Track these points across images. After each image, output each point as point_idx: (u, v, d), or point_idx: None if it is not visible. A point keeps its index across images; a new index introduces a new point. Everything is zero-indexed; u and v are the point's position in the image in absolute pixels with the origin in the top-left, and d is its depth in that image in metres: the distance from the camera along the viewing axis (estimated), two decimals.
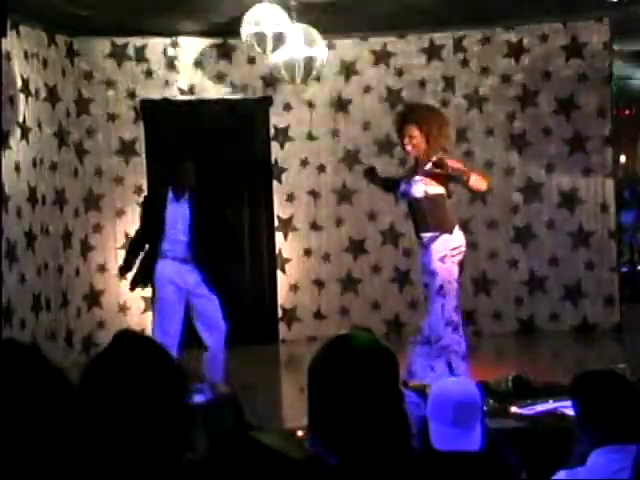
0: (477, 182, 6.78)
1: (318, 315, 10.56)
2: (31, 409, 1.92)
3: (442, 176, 6.76)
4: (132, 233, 10.01)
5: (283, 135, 10.51)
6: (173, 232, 7.23)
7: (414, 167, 7.03)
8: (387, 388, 2.04)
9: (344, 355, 2.04)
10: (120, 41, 10.02)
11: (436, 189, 6.82)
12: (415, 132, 6.80)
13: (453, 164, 6.87)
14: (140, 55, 10.11)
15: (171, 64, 10.19)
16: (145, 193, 9.67)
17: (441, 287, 6.70)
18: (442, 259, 6.73)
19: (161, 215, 7.25)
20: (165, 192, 7.34)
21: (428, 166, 6.79)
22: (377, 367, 2.04)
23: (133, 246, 7.78)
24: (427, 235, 6.85)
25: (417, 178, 6.85)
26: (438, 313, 6.72)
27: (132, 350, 2.05)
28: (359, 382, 2.00)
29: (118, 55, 10.05)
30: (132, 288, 7.58)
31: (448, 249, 6.75)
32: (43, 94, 9.20)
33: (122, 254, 9.95)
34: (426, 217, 6.85)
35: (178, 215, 7.25)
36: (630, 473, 2.90)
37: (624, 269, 11.88)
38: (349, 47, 10.46)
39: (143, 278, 7.44)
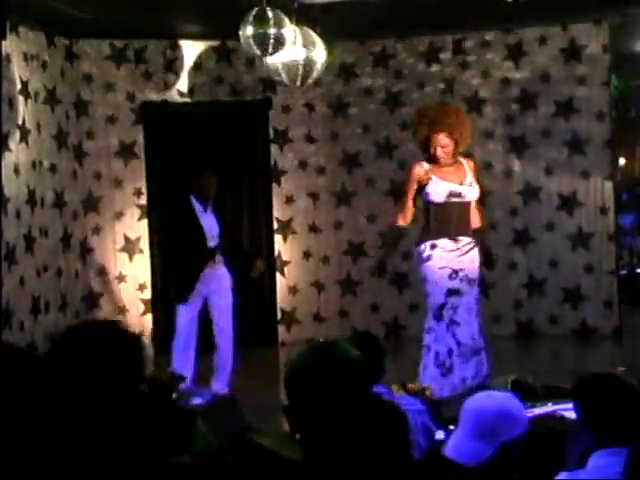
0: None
1: (317, 317, 10.56)
2: (30, 415, 1.93)
3: None
4: (131, 235, 10.05)
5: (282, 137, 10.51)
6: (209, 241, 7.39)
7: (439, 167, 6.84)
8: (357, 396, 2.04)
9: (316, 364, 2.05)
10: (119, 43, 10.02)
11: None
12: (446, 141, 6.73)
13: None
14: (139, 57, 10.11)
15: (170, 66, 10.19)
16: (145, 198, 9.82)
17: (479, 293, 6.76)
18: (479, 266, 6.78)
19: (197, 226, 7.39)
20: (189, 203, 7.45)
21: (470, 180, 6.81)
22: (348, 377, 2.04)
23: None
24: (467, 239, 6.77)
25: (470, 181, 6.81)
26: (480, 320, 6.72)
27: (90, 334, 2.07)
28: (330, 390, 2.01)
29: (117, 57, 10.05)
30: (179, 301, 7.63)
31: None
32: (42, 96, 9.20)
33: (122, 257, 10.02)
34: (468, 221, 6.82)
35: (209, 224, 7.41)
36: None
37: (623, 272, 11.87)
38: (348, 49, 10.47)
39: (183, 293, 7.52)
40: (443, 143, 6.71)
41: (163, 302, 10.06)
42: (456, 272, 6.64)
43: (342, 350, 2.09)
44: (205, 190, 7.43)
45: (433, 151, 6.75)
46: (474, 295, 6.67)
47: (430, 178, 6.74)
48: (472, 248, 6.75)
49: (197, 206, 7.44)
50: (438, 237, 6.68)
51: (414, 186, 6.80)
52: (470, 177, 6.81)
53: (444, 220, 6.72)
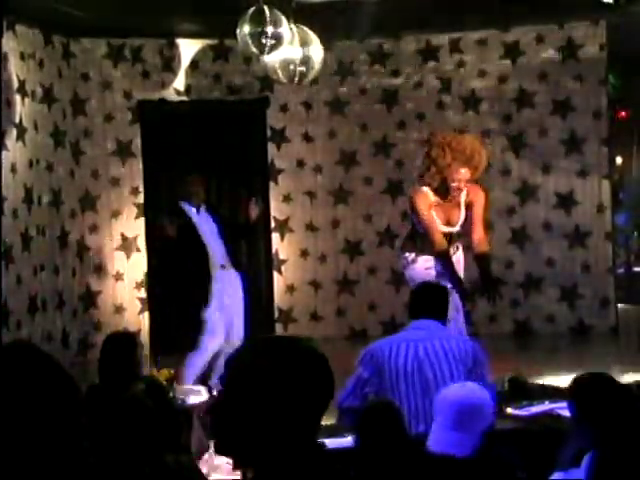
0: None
1: (315, 316, 10.56)
2: (43, 412, 1.94)
3: None
4: (128, 234, 10.04)
5: (279, 136, 10.51)
6: (212, 243, 7.33)
7: (440, 204, 6.89)
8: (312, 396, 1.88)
9: (276, 360, 1.87)
10: (116, 42, 10.01)
11: None
12: (468, 175, 6.72)
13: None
14: (136, 56, 10.10)
15: (168, 65, 10.18)
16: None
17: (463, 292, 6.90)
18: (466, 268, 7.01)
19: (196, 231, 7.30)
20: (180, 209, 7.38)
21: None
22: (308, 375, 1.87)
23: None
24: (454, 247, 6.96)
25: (462, 222, 6.93)
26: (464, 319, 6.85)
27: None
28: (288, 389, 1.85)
29: (114, 56, 10.04)
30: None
31: None
32: (39, 95, 9.19)
33: (119, 255, 10.01)
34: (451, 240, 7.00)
35: (207, 227, 7.36)
36: None
37: (620, 270, 11.89)
38: (346, 48, 10.46)
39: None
40: (466, 177, 6.70)
41: (160, 300, 10.06)
42: (442, 274, 6.75)
43: (303, 347, 1.89)
44: (191, 192, 7.38)
45: (454, 183, 6.70)
46: (460, 293, 6.79)
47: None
48: (456, 251, 6.86)
49: (188, 209, 7.39)
50: (422, 253, 6.80)
51: (431, 213, 6.77)
52: (462, 216, 6.86)
53: (430, 244, 6.84)
